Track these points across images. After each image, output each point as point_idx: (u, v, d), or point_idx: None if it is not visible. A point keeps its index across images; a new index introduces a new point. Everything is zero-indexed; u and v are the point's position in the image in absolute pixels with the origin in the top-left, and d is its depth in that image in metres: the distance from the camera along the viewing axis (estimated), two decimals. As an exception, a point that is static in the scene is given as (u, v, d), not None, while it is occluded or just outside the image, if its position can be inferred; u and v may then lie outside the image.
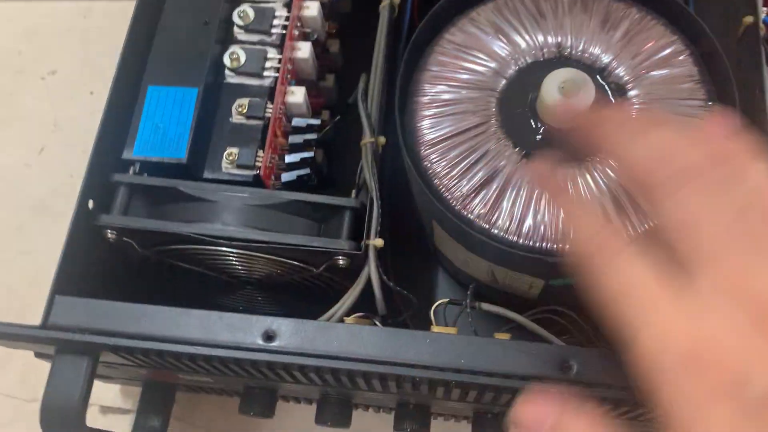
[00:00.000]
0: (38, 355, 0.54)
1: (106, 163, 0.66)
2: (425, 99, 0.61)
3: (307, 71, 0.76)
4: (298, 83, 0.70)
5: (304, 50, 0.73)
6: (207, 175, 0.69)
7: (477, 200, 0.56)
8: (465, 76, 0.60)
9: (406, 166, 0.59)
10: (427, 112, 0.60)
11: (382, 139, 0.68)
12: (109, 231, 0.64)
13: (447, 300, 0.64)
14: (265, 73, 0.71)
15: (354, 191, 0.63)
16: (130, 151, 0.68)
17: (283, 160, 0.71)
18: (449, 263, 0.68)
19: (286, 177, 0.70)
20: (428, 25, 0.62)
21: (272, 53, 0.70)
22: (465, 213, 0.56)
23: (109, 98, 0.68)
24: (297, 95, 0.72)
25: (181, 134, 0.69)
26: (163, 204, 0.65)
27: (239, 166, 0.69)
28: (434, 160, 0.58)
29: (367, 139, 0.66)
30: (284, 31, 0.71)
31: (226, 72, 0.73)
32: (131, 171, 0.68)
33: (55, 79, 0.94)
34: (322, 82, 0.76)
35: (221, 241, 0.61)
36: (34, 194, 0.87)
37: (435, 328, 0.57)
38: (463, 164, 0.57)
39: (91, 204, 0.60)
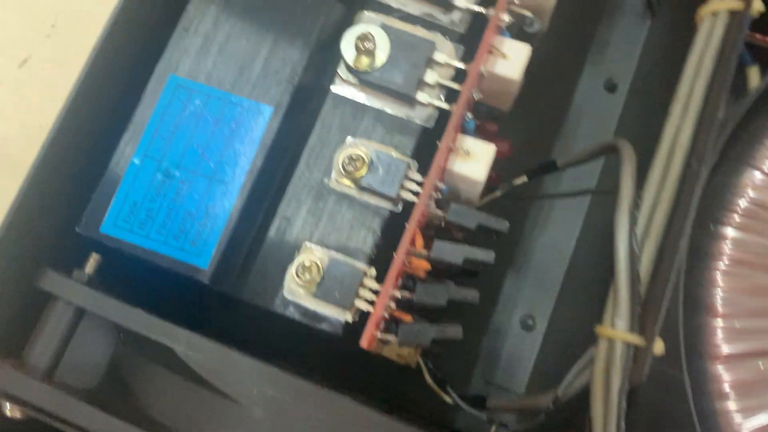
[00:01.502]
0: None
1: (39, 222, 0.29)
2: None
3: (508, 94, 0.36)
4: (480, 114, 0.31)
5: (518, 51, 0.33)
6: (245, 297, 0.30)
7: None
8: None
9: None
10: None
11: (659, 347, 0.28)
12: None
13: None
14: (422, 95, 0.32)
15: None
16: (94, 223, 0.30)
17: (409, 308, 0.32)
18: None
19: (408, 337, 0.31)
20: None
21: (442, 41, 0.31)
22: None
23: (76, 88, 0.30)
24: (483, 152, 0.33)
25: (214, 206, 0.30)
26: (132, 371, 0.28)
27: (323, 300, 0.30)
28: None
29: (622, 333, 0.26)
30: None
31: (339, 77, 0.34)
32: (88, 265, 0.30)
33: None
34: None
35: None
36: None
37: None
38: None
39: None
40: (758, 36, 0.55)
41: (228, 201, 0.30)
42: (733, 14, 0.32)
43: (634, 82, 0.55)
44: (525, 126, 0.52)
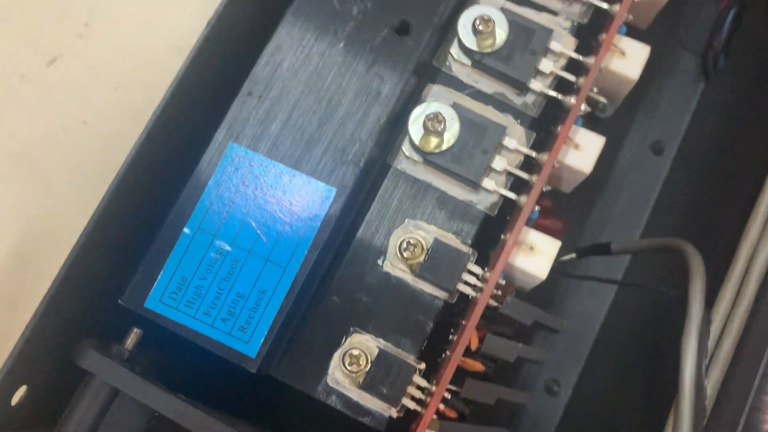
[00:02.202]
0: None
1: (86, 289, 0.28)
2: None
3: (575, 182, 0.34)
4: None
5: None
6: (286, 380, 0.29)
7: None
8: None
9: None
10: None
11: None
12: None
13: None
14: (488, 182, 0.31)
15: None
16: (139, 296, 0.29)
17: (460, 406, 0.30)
18: None
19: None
20: None
21: (513, 125, 0.30)
22: None
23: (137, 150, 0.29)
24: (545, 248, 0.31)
25: (267, 291, 0.29)
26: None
27: (369, 392, 0.29)
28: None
29: None
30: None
31: (403, 154, 0.32)
32: (128, 340, 0.28)
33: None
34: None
35: None
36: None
37: None
38: None
39: None
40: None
41: (282, 287, 0.28)
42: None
43: (681, 147, 0.54)
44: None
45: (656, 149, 0.54)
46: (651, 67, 0.55)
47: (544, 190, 0.32)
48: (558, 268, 0.42)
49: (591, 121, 0.35)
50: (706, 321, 0.29)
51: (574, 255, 0.41)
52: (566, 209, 0.43)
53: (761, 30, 0.51)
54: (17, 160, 0.60)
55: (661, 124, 0.54)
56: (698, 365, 0.28)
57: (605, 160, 0.54)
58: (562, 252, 0.41)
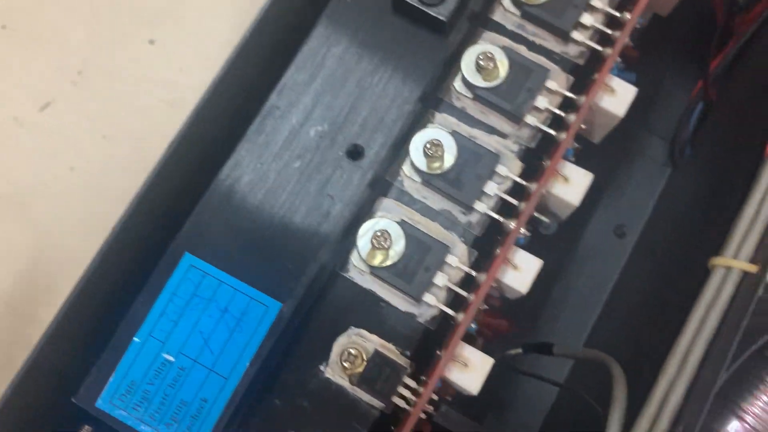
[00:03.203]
0: None
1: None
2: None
3: (514, 295, 0.36)
4: None
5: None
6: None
7: None
8: None
9: None
10: None
11: None
12: None
13: None
14: (428, 297, 0.33)
15: None
16: (91, 396, 0.31)
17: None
18: None
19: None
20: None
21: (457, 243, 0.32)
22: None
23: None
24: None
25: (208, 400, 0.31)
26: None
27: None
28: None
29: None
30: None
31: (352, 264, 0.34)
32: (80, 436, 0.30)
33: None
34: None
35: None
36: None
37: None
38: None
39: None
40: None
41: (223, 397, 0.30)
42: (746, 275, 0.32)
43: (644, 232, 0.55)
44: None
45: (619, 233, 0.56)
46: (619, 150, 0.57)
47: (481, 309, 0.34)
48: (505, 362, 0.44)
49: (535, 238, 0.37)
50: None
51: (520, 350, 0.43)
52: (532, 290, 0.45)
53: (726, 126, 0.53)
54: (8, 202, 0.62)
55: (625, 209, 0.56)
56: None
57: (569, 240, 0.56)
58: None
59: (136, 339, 0.31)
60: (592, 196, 0.56)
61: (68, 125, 0.63)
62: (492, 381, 0.37)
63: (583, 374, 0.51)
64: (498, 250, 0.34)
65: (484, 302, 0.34)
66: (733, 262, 0.32)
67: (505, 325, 0.41)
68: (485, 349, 0.44)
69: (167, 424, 0.30)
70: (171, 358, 0.31)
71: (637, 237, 0.56)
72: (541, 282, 0.54)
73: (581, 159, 0.41)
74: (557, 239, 0.54)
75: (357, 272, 0.34)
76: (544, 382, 0.45)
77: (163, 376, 0.31)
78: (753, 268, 0.32)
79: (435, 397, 0.33)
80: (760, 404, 0.34)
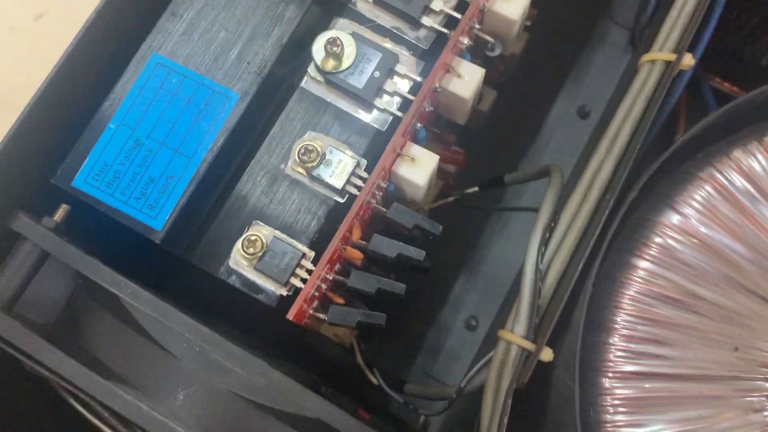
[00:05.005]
0: None
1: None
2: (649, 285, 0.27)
3: (461, 109, 0.39)
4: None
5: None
6: (193, 260, 0.34)
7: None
8: None
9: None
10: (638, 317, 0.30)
11: (547, 353, 0.31)
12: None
13: None
14: (379, 101, 0.35)
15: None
16: (67, 176, 0.34)
17: (347, 293, 0.35)
18: None
19: (335, 318, 0.35)
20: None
21: (405, 54, 0.34)
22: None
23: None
24: (425, 162, 0.36)
25: (174, 176, 0.34)
26: (81, 311, 0.31)
27: (263, 273, 0.34)
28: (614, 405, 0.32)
29: (518, 338, 0.30)
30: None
31: (308, 75, 0.37)
32: (57, 214, 0.33)
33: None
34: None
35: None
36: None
37: None
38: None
39: None
40: (726, 84, 0.58)
41: (188, 173, 0.33)
42: (667, 64, 0.35)
43: (606, 112, 0.58)
44: (495, 142, 0.55)
45: (582, 114, 0.58)
46: (582, 37, 0.60)
47: (427, 110, 0.37)
48: (462, 200, 0.47)
49: (483, 59, 0.40)
50: (551, 222, 0.34)
51: (476, 188, 0.46)
52: (493, 169, 0.48)
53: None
54: (1, 104, 0.65)
55: (588, 91, 0.59)
56: (539, 252, 0.33)
57: (533, 122, 0.59)
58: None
59: (111, 125, 0.34)
60: (556, 79, 0.59)
61: (61, 34, 0.67)
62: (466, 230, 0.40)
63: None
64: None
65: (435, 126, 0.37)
66: (656, 54, 0.35)
67: (460, 157, 0.44)
68: (443, 194, 0.47)
69: (136, 199, 0.33)
70: (143, 141, 0.34)
71: (599, 117, 0.58)
72: (508, 158, 0.57)
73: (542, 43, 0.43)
74: (522, 119, 0.57)
75: (314, 83, 0.37)
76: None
77: (133, 157, 0.34)
78: (671, 57, 0.34)
79: (384, 185, 0.36)
80: (694, 203, 0.37)
